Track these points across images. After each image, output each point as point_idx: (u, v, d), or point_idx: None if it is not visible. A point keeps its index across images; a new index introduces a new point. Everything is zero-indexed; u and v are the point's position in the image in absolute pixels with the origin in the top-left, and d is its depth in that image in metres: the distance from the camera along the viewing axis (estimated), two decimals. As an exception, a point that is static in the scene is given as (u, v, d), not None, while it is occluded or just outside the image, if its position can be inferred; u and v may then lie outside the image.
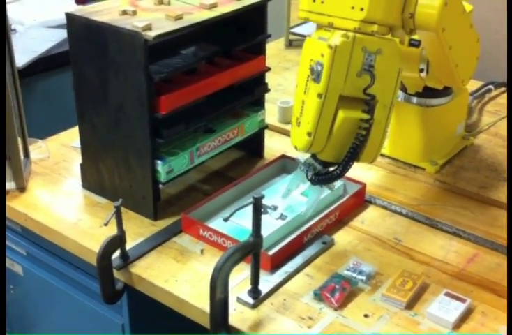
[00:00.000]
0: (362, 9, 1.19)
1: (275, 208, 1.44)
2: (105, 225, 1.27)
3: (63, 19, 1.44)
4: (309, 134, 1.26)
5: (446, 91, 1.64)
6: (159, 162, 1.44)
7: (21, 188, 1.58)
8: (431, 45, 1.45)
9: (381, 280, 1.33)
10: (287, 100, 1.86)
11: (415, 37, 1.49)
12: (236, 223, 1.41)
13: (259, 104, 1.67)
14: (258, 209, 1.17)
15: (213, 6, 1.45)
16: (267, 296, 1.28)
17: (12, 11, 2.11)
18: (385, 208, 1.54)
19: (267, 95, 1.68)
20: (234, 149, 1.68)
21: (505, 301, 1.27)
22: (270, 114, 1.77)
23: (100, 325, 1.55)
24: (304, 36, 2.34)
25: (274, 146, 1.75)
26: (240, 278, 1.31)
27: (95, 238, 1.41)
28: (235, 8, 1.46)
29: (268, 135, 1.74)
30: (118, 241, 1.32)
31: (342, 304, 1.26)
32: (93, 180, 1.56)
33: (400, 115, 1.63)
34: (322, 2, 1.23)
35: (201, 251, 1.40)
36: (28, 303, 1.76)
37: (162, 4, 1.46)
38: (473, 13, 1.56)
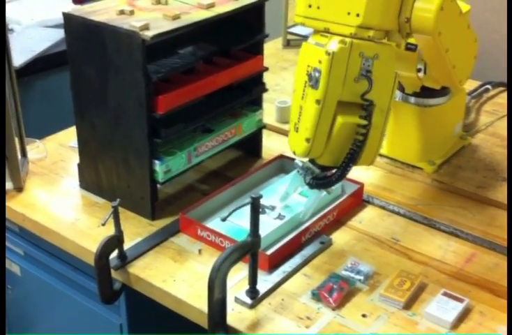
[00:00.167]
0: (358, 15, 1.18)
1: (273, 208, 1.45)
2: (103, 225, 1.27)
3: (60, 19, 1.43)
4: (307, 140, 1.26)
5: (443, 91, 1.64)
6: (157, 162, 1.44)
7: (19, 188, 1.58)
8: (427, 48, 1.44)
9: (379, 280, 1.33)
10: (284, 100, 1.86)
11: (411, 41, 1.48)
12: (234, 223, 1.40)
13: (257, 104, 1.67)
14: (256, 209, 1.17)
15: (211, 6, 1.45)
16: (265, 296, 1.28)
17: (9, 11, 2.10)
18: (383, 208, 1.54)
19: (265, 95, 1.68)
20: (232, 149, 1.68)
21: (503, 301, 1.27)
22: (268, 113, 1.77)
23: (98, 325, 1.55)
24: (302, 36, 2.35)
25: (272, 145, 1.75)
26: (238, 278, 1.31)
27: (93, 238, 1.41)
28: (233, 7, 1.46)
29: (266, 134, 1.74)
30: (115, 241, 1.32)
31: (340, 304, 1.26)
32: (90, 180, 1.56)
33: (397, 115, 1.62)
34: (318, 7, 1.21)
35: (199, 251, 1.40)
36: (26, 303, 1.76)
37: (159, 4, 1.46)
38: (471, 13, 1.55)
